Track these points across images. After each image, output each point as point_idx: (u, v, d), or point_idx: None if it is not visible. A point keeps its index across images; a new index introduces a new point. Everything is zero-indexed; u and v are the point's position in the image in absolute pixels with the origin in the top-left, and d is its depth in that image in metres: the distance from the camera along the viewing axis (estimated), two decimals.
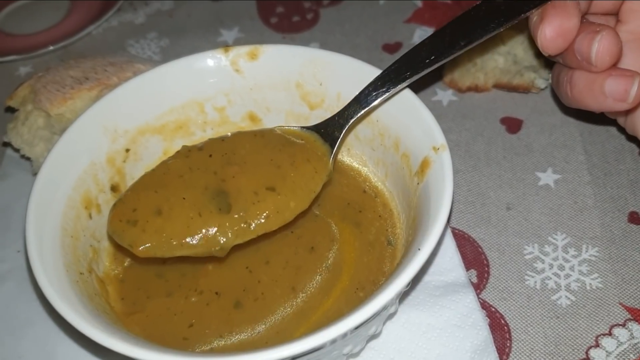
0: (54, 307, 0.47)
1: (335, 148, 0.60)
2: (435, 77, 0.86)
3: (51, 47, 0.96)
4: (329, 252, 0.58)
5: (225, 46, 0.67)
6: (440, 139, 0.55)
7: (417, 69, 0.59)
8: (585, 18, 0.63)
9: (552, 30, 0.58)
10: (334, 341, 0.45)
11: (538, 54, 0.81)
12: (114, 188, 0.63)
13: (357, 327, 0.45)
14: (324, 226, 0.60)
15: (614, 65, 0.60)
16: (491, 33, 0.60)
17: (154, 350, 0.44)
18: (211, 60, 0.66)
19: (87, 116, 0.61)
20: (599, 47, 0.57)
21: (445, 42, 0.59)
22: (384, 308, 0.47)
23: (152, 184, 0.56)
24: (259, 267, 0.58)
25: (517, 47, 0.80)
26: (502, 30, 0.61)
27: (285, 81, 0.66)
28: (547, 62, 0.79)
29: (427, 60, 0.59)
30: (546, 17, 0.59)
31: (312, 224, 0.61)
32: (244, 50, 0.66)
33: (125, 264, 0.61)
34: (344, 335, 0.45)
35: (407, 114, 0.59)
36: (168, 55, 0.95)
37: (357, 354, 0.56)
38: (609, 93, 0.59)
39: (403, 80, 0.58)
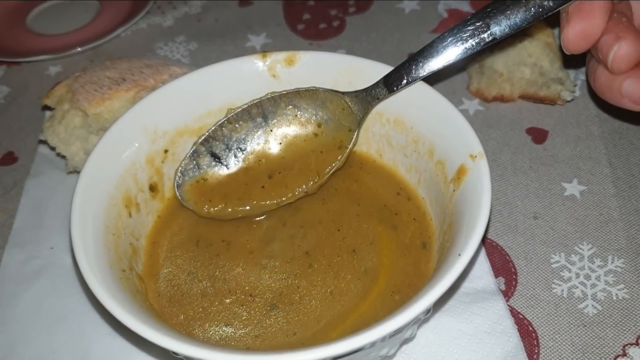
0: (102, 302, 0.47)
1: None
2: (461, 86, 0.88)
3: (79, 49, 0.98)
4: (368, 255, 0.59)
5: (263, 52, 0.68)
6: (477, 146, 0.56)
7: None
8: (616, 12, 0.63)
9: (574, 33, 0.59)
10: (373, 344, 0.46)
11: (564, 65, 0.82)
12: (152, 188, 0.64)
13: (396, 331, 0.46)
14: (365, 228, 0.62)
15: (638, 65, 0.61)
16: (516, 29, 0.60)
17: (197, 346, 0.45)
18: (249, 65, 0.67)
19: (128, 117, 0.62)
20: (617, 54, 0.59)
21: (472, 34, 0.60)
22: (423, 312, 0.48)
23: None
24: (302, 270, 0.59)
25: (544, 59, 0.81)
26: (526, 26, 0.60)
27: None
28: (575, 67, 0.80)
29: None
30: (571, 19, 0.60)
31: (355, 224, 0.62)
32: (281, 56, 0.67)
33: (160, 262, 0.62)
34: (384, 338, 0.46)
35: (442, 121, 0.60)
36: (197, 59, 0.96)
37: (392, 356, 0.57)
38: (625, 93, 0.61)
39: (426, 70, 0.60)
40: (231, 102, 0.67)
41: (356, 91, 0.64)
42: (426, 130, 0.62)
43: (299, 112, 0.66)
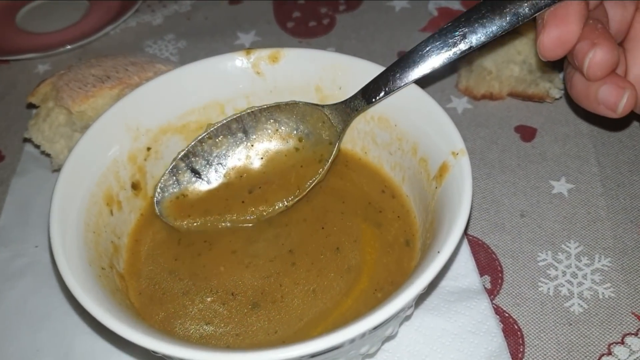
0: (79, 300, 0.47)
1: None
2: (450, 84, 0.87)
3: (68, 47, 0.98)
4: (351, 253, 0.59)
5: (247, 49, 0.68)
6: (459, 144, 0.55)
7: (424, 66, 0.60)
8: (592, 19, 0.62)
9: (550, 40, 0.59)
10: (352, 340, 0.46)
11: (552, 64, 0.82)
12: (134, 186, 0.64)
13: (375, 328, 0.46)
14: (349, 225, 0.61)
15: (613, 72, 0.60)
16: (496, 34, 0.60)
17: (176, 345, 0.45)
18: (233, 62, 0.67)
19: (109, 114, 0.62)
20: (592, 61, 0.58)
21: (454, 40, 0.60)
22: (403, 309, 0.47)
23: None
24: (285, 269, 0.59)
25: (533, 56, 0.81)
26: (502, 33, 0.60)
27: (305, 85, 0.67)
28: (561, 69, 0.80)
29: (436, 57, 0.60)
30: (546, 25, 0.59)
31: (339, 222, 0.62)
32: (265, 53, 0.67)
33: (142, 260, 0.61)
34: (363, 335, 0.46)
35: (426, 119, 0.60)
36: (186, 57, 0.96)
37: (373, 354, 0.56)
38: (601, 100, 0.60)
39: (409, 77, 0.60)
40: (215, 99, 0.67)
41: (335, 104, 0.64)
42: (410, 128, 0.62)
43: (279, 127, 0.66)
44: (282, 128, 0.66)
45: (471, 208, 0.64)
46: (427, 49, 0.60)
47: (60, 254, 0.50)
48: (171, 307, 0.57)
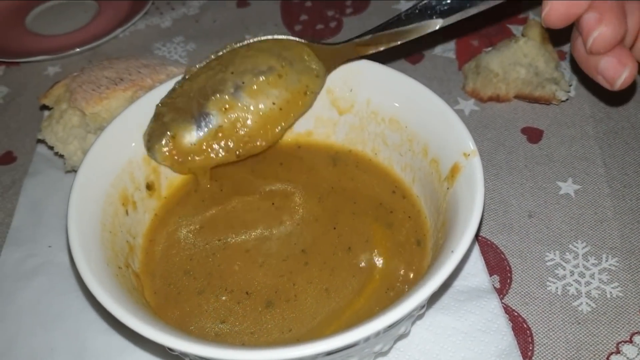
0: (98, 299, 0.48)
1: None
2: (457, 86, 0.88)
3: (78, 49, 0.99)
4: (363, 252, 0.60)
5: None
6: (471, 145, 0.56)
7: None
8: None
9: (556, 9, 0.58)
10: (367, 339, 0.47)
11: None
12: (149, 186, 0.64)
13: (390, 326, 0.47)
14: (361, 226, 0.62)
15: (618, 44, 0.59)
16: None
17: (194, 342, 0.45)
18: None
19: (125, 116, 0.63)
20: (597, 39, 0.57)
21: None
22: (417, 308, 0.48)
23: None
24: (298, 268, 0.59)
25: (539, 59, 0.82)
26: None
27: None
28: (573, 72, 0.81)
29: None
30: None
31: (351, 222, 0.63)
32: None
33: (157, 260, 0.62)
34: (377, 333, 0.47)
35: (436, 121, 0.61)
36: (194, 59, 0.97)
37: (386, 353, 0.57)
38: (600, 71, 0.60)
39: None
40: None
41: (321, 44, 0.64)
42: (421, 129, 0.62)
43: (259, 54, 0.64)
44: (262, 55, 0.64)
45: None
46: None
47: (79, 253, 0.51)
48: (186, 306, 0.58)
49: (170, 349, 0.49)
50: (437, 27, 0.60)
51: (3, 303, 0.67)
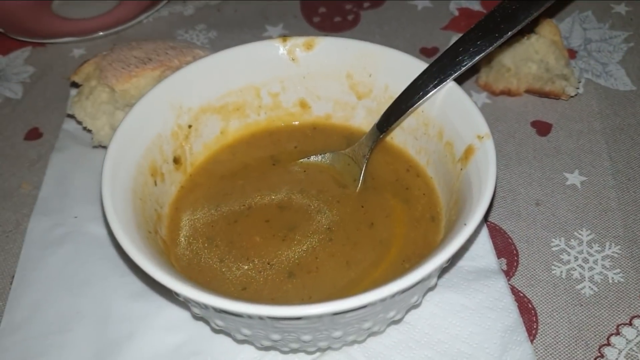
0: (131, 257, 0.51)
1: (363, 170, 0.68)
2: (471, 80, 0.91)
3: (101, 33, 1.02)
4: (383, 227, 0.63)
5: (284, 36, 0.71)
6: (484, 128, 0.59)
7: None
8: None
9: None
10: (379, 303, 0.49)
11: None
12: (176, 160, 0.67)
13: (403, 291, 0.49)
14: (382, 202, 0.65)
15: None
16: (515, 28, 0.64)
17: (222, 298, 0.48)
18: (270, 49, 0.71)
19: (155, 92, 0.66)
20: None
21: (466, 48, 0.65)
22: (429, 276, 0.51)
23: None
24: (322, 243, 0.62)
25: (550, 56, 0.85)
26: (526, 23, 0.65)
27: (337, 71, 0.71)
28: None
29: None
30: None
31: (374, 198, 0.66)
32: (300, 40, 0.71)
33: (181, 227, 0.65)
34: (387, 298, 0.49)
35: (451, 105, 0.63)
36: (216, 46, 1.00)
37: (399, 321, 0.60)
38: None
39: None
40: (251, 82, 0.71)
41: (352, 147, 0.69)
42: (436, 114, 0.65)
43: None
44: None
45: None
46: (426, 76, 0.65)
47: (111, 213, 0.53)
48: (209, 273, 0.61)
49: (196, 305, 0.52)
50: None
51: (30, 269, 0.70)
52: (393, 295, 0.49)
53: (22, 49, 1.03)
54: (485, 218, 0.74)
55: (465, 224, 0.51)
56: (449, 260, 0.53)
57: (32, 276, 0.69)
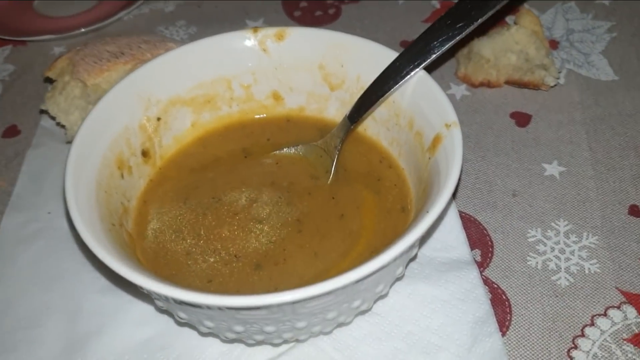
0: (90, 248, 0.50)
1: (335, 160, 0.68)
2: (450, 71, 0.90)
3: (82, 30, 1.01)
4: (353, 219, 0.62)
5: (254, 27, 0.71)
6: (452, 116, 0.58)
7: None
8: None
9: None
10: (344, 288, 0.48)
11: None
12: (144, 153, 0.67)
13: (360, 280, 0.48)
14: (354, 193, 0.65)
15: None
16: (485, 15, 0.64)
17: (186, 291, 0.47)
18: (240, 40, 0.70)
19: (123, 84, 0.65)
20: None
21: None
22: (389, 265, 0.50)
23: None
24: (292, 235, 0.62)
25: (530, 46, 0.84)
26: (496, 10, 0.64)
27: (309, 62, 0.70)
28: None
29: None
30: None
31: (345, 189, 0.65)
32: (271, 31, 0.70)
33: (148, 220, 0.64)
34: (352, 284, 0.48)
35: (421, 94, 0.63)
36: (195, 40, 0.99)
37: (368, 311, 0.59)
38: None
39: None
40: (222, 74, 0.70)
41: (324, 138, 0.69)
42: (406, 104, 0.65)
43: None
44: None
45: (461, 188, 0.68)
46: (398, 64, 0.64)
47: (73, 205, 0.53)
48: (175, 265, 0.60)
49: (159, 297, 0.51)
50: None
51: (3, 265, 0.70)
52: (353, 284, 0.48)
53: (3, 47, 1.03)
54: (460, 209, 0.73)
55: (427, 212, 0.51)
56: (410, 248, 0.52)
57: (5, 272, 0.69)
